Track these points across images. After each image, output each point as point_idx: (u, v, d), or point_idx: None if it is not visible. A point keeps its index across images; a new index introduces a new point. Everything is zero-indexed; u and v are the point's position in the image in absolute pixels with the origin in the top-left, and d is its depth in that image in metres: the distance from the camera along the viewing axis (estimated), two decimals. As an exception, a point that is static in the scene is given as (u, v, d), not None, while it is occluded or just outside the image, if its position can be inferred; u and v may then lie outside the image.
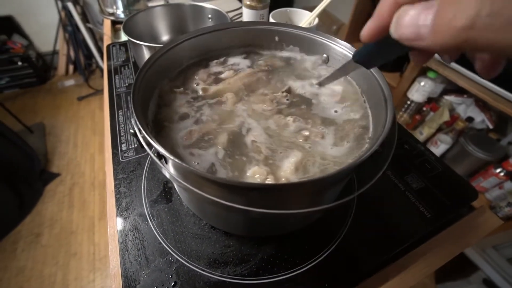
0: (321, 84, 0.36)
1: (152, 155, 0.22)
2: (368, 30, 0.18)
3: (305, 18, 0.53)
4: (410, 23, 0.13)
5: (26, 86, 2.10)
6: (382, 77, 0.29)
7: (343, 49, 0.34)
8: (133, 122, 0.22)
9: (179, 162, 0.20)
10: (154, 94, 0.32)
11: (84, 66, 2.21)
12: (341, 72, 0.30)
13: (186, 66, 0.37)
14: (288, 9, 0.55)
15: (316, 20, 0.52)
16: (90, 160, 1.69)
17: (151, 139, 0.21)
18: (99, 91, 2.11)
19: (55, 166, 1.65)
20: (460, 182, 0.42)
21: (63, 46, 2.14)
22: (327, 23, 1.85)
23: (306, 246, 0.33)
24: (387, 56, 0.21)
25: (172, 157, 0.20)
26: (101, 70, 2.21)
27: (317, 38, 0.36)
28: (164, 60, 0.32)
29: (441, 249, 0.38)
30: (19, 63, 1.98)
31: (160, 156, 0.23)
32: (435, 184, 0.41)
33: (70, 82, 2.23)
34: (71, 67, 2.28)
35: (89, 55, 2.18)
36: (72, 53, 2.17)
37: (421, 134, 1.28)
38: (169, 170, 0.22)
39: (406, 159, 0.45)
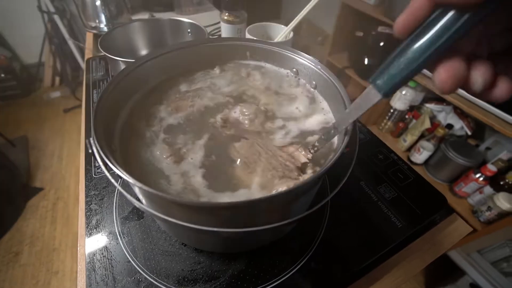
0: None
1: (109, 176, 0.21)
2: (402, 21, 0.16)
3: (281, 32, 0.54)
4: None
5: (9, 98, 2.06)
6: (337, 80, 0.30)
7: (309, 63, 0.35)
8: (91, 141, 0.22)
9: (140, 184, 0.20)
10: (123, 111, 0.33)
11: (71, 78, 2.19)
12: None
13: (156, 84, 0.37)
14: (264, 23, 0.57)
15: (291, 34, 0.54)
16: (75, 173, 1.65)
17: (109, 161, 0.21)
18: (86, 103, 2.09)
19: (38, 180, 1.60)
20: (430, 190, 0.43)
21: (49, 58, 2.12)
22: (313, 34, 1.90)
23: (277, 260, 0.33)
24: (410, 72, 0.17)
25: (127, 177, 0.20)
26: (88, 82, 2.19)
27: (286, 53, 0.37)
28: (132, 78, 0.32)
29: (415, 257, 0.39)
30: (2, 75, 1.94)
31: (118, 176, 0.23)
32: (406, 194, 0.42)
33: (56, 94, 2.19)
34: (57, 79, 2.25)
35: (76, 67, 2.17)
36: (58, 65, 2.15)
37: (405, 141, 1.32)
38: (134, 198, 0.22)
39: (380, 169, 0.45)
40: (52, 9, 1.76)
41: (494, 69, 0.16)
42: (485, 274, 1.05)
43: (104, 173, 0.21)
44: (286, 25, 0.53)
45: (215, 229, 0.21)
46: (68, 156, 1.75)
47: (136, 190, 0.25)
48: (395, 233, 0.38)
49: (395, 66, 0.17)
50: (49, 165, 1.69)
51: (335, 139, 0.31)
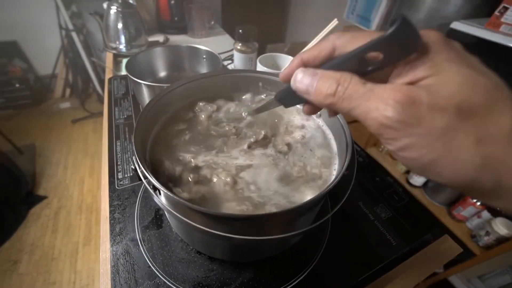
0: (250, 114, 0.42)
1: (148, 187, 0.26)
2: (282, 74, 0.25)
3: (287, 63, 0.61)
4: (304, 82, 0.21)
5: (21, 107, 2.13)
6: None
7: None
8: (134, 159, 0.26)
9: (171, 194, 0.24)
10: (153, 131, 0.37)
11: (81, 90, 2.27)
12: (268, 106, 0.34)
13: (180, 107, 0.42)
14: (273, 54, 0.63)
15: (298, 65, 0.60)
16: (79, 183, 1.68)
17: (149, 175, 0.25)
18: (94, 114, 2.15)
19: (42, 188, 1.63)
20: (423, 211, 0.47)
21: (63, 70, 2.21)
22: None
23: (283, 271, 0.36)
24: (295, 100, 0.26)
25: (165, 191, 0.24)
26: (98, 94, 2.27)
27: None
28: (160, 103, 0.37)
29: (407, 274, 0.42)
30: (17, 85, 2.03)
31: (155, 188, 0.27)
32: (401, 214, 0.46)
33: (65, 105, 2.27)
34: (68, 90, 2.33)
35: (87, 79, 2.26)
36: (70, 77, 2.24)
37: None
38: (161, 201, 0.26)
39: (376, 191, 0.50)
40: (70, 26, 1.87)
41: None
42: (486, 301, 1.04)
43: (128, 185, 0.25)
44: (289, 49, 0.60)
45: (229, 235, 0.25)
46: (73, 166, 1.78)
47: (163, 199, 0.29)
48: (390, 250, 0.41)
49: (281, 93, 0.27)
50: (54, 173, 1.72)
51: (335, 165, 0.35)
